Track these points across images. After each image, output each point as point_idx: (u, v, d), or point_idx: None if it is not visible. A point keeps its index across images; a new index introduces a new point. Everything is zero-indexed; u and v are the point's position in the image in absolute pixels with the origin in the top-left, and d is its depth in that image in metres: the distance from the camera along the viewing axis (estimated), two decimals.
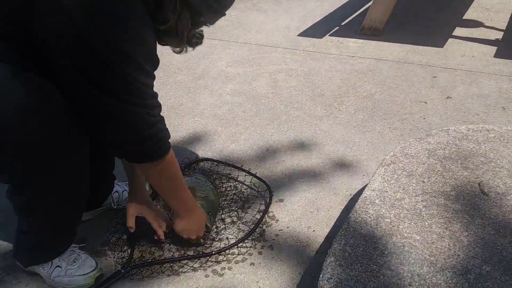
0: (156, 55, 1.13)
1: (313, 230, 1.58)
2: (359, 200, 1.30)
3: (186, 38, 1.20)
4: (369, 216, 1.23)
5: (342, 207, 1.68)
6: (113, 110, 1.10)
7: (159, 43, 1.23)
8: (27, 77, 1.07)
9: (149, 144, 1.19)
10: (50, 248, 1.38)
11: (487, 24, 3.51)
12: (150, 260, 1.47)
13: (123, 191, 1.69)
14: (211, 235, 1.56)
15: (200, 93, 2.60)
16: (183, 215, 1.44)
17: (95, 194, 1.62)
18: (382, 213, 1.24)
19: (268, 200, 1.70)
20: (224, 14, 1.22)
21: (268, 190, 1.74)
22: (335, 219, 1.63)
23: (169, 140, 1.26)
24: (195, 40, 1.26)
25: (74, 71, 1.04)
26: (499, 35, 3.27)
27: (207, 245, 1.52)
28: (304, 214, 1.66)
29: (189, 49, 1.26)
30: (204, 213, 1.50)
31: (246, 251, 1.49)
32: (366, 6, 3.98)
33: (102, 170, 1.58)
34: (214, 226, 1.60)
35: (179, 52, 1.26)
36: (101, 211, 1.68)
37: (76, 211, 1.37)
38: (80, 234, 1.58)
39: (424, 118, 2.22)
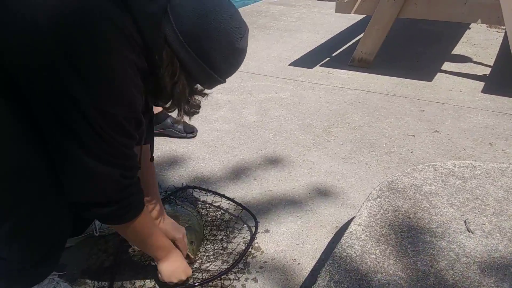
0: (141, 117, 1.11)
1: (298, 263, 1.56)
2: (344, 235, 1.29)
3: (183, 108, 1.17)
4: (355, 252, 1.21)
5: (328, 240, 1.66)
6: (85, 167, 1.04)
7: (153, 105, 1.20)
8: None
9: (117, 208, 1.13)
10: (30, 275, 1.34)
11: (475, 60, 3.57)
12: None
13: None
14: (194, 266, 1.53)
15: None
16: (165, 260, 1.39)
17: (77, 220, 1.59)
18: (367, 248, 1.22)
19: (253, 231, 1.68)
20: (224, 81, 1.18)
21: (254, 221, 1.72)
22: (321, 252, 1.61)
23: (143, 198, 1.22)
24: (193, 109, 1.21)
25: (54, 122, 1.00)
26: (486, 71, 3.33)
27: (189, 277, 1.49)
28: (290, 246, 1.64)
29: (186, 118, 1.22)
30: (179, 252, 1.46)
31: (229, 284, 1.46)
32: (357, 38, 4.04)
33: None
34: (197, 257, 1.57)
35: (178, 123, 1.22)
36: (82, 238, 1.64)
37: (61, 236, 1.34)
38: (60, 261, 1.55)
39: (411, 152, 2.23)
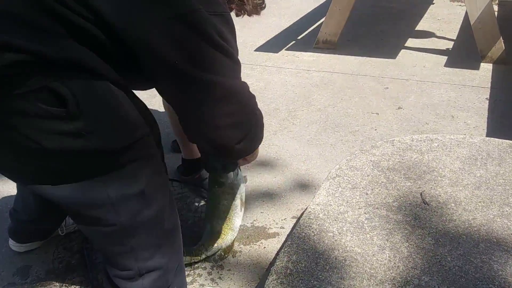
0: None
1: (264, 247, 1.57)
2: (303, 215, 1.29)
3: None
4: (313, 231, 1.22)
5: (294, 222, 1.68)
6: (225, 88, 1.01)
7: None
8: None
9: (260, 122, 1.16)
10: None
11: (438, 35, 3.61)
12: None
13: None
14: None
15: (156, 112, 2.57)
16: None
17: (42, 224, 1.57)
18: (325, 227, 1.23)
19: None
20: None
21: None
22: (286, 234, 1.62)
23: None
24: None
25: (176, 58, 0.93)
26: (449, 45, 3.37)
27: None
28: (256, 230, 1.65)
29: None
30: None
31: (196, 273, 1.47)
32: (322, 20, 4.03)
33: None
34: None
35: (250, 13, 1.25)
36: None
37: None
38: (24, 263, 1.54)
39: (375, 130, 2.25)
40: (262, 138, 1.23)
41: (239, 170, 1.51)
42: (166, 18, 0.90)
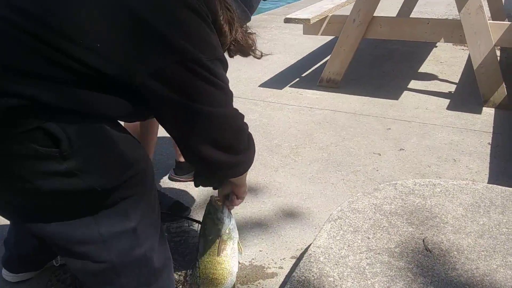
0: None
1: (262, 287, 1.54)
2: (303, 258, 1.28)
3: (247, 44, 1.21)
4: (313, 275, 1.20)
5: (293, 262, 1.65)
6: (216, 116, 1.04)
7: None
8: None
9: (251, 147, 1.17)
10: None
11: (441, 77, 3.65)
12: None
13: None
14: None
15: (159, 145, 2.57)
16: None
17: (39, 254, 1.55)
18: (326, 271, 1.21)
19: None
20: (250, 19, 1.23)
21: None
22: (285, 275, 1.59)
23: None
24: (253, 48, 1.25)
25: (168, 93, 0.95)
26: (452, 88, 3.40)
27: None
28: (254, 269, 1.62)
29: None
30: None
31: None
32: (326, 58, 4.08)
33: None
34: None
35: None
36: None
37: None
38: None
39: (377, 170, 2.25)
40: (254, 153, 1.24)
41: (231, 214, 1.50)
42: (167, 64, 0.92)
